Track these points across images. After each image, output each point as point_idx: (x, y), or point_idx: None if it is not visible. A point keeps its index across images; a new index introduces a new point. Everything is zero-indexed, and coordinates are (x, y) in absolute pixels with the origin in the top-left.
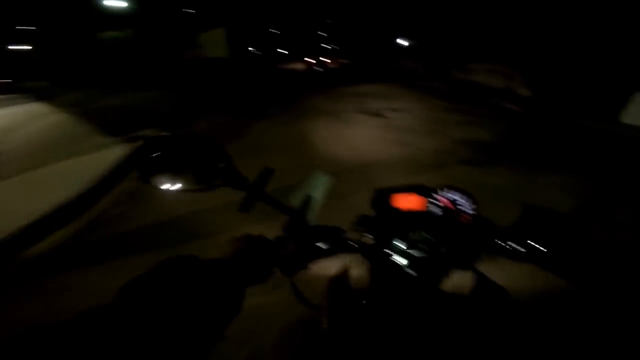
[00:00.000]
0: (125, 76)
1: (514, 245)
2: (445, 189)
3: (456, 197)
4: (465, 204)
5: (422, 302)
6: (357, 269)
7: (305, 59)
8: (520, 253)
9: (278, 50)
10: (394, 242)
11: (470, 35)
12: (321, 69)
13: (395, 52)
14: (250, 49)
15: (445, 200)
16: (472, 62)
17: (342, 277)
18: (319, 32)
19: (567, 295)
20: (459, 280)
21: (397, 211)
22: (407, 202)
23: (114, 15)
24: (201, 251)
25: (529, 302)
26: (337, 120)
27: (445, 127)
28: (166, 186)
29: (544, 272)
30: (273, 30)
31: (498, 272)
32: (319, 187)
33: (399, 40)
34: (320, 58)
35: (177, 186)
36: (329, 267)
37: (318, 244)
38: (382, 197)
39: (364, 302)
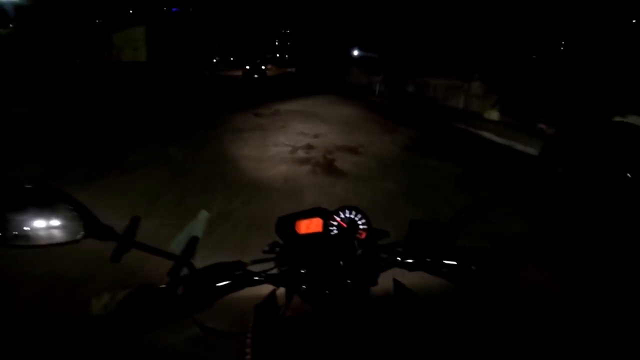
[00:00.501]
0: None
1: (404, 257)
2: (342, 210)
3: (350, 216)
4: (359, 221)
5: (342, 317)
6: (278, 296)
7: (246, 66)
8: (410, 263)
9: (217, 55)
10: (299, 266)
11: (426, 46)
12: (258, 77)
13: (347, 63)
14: (177, 52)
15: (339, 219)
16: (429, 75)
17: (266, 304)
18: (270, 40)
19: (454, 293)
20: (374, 289)
21: (299, 236)
22: (307, 226)
23: None
24: (83, 309)
25: (431, 303)
26: (249, 196)
27: (436, 194)
28: (22, 243)
29: (432, 276)
30: (214, 33)
31: (400, 278)
32: (199, 226)
33: (353, 52)
34: (262, 66)
35: (35, 242)
36: (240, 299)
37: (215, 282)
38: (284, 223)
39: (288, 323)
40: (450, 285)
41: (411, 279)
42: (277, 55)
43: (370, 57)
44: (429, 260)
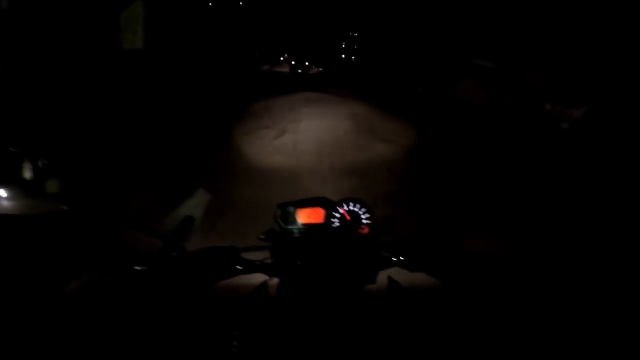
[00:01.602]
0: None
1: (407, 256)
2: (345, 202)
3: (355, 209)
4: (363, 216)
5: (334, 314)
6: (269, 287)
7: (292, 62)
8: (413, 263)
9: (285, 52)
10: (296, 257)
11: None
12: (301, 72)
13: (451, 73)
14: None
15: (344, 212)
16: None
17: (256, 295)
18: (336, 43)
19: (451, 295)
20: (370, 287)
21: (299, 225)
22: (308, 215)
23: None
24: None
25: (427, 304)
26: None
27: None
28: None
29: (433, 277)
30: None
31: (396, 277)
32: (198, 205)
33: (458, 59)
34: (305, 63)
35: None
36: (230, 287)
37: (205, 267)
38: (284, 211)
39: (278, 316)
40: (448, 288)
41: (407, 278)
42: (343, 56)
43: (487, 67)
44: (433, 261)
